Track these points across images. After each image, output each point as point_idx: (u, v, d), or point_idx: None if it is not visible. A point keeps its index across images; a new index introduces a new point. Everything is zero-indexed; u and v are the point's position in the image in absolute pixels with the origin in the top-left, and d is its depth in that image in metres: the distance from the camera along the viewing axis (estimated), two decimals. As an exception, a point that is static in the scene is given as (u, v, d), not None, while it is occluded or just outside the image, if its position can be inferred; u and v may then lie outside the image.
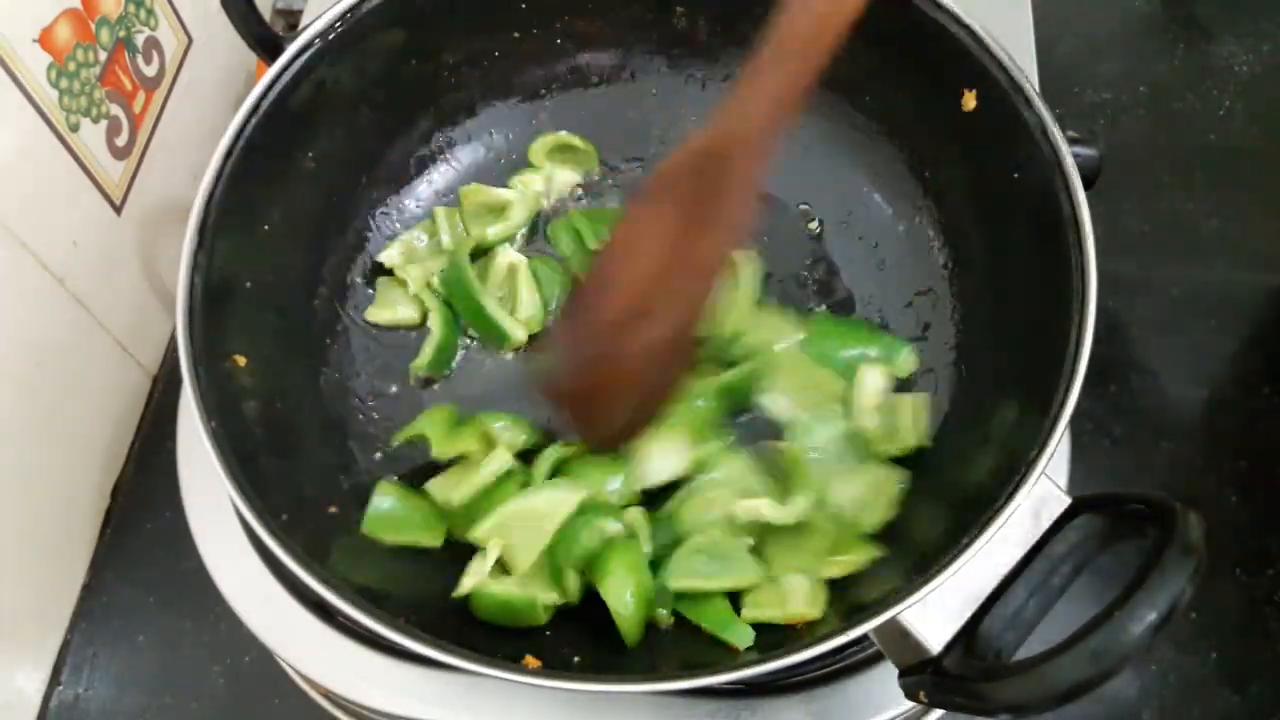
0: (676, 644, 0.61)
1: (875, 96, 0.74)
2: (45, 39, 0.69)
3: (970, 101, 0.66)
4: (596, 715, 0.59)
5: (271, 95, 0.64)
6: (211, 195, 0.61)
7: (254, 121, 0.63)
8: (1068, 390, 0.53)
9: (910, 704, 0.59)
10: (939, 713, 0.66)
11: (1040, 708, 0.44)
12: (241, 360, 0.62)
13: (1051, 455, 0.52)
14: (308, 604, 0.64)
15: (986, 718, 0.46)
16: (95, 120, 0.76)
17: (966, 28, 0.64)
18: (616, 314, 0.52)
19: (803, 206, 0.78)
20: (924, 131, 0.73)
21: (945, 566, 0.50)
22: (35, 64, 0.69)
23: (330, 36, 0.66)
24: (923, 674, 0.50)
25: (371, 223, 0.76)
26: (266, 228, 0.66)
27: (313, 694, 0.69)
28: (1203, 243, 0.93)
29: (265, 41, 0.66)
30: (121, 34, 0.79)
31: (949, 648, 0.50)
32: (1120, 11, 1.07)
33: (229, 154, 0.62)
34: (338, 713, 0.68)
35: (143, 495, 0.84)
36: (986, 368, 0.67)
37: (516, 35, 0.77)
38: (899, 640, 0.51)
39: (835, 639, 0.50)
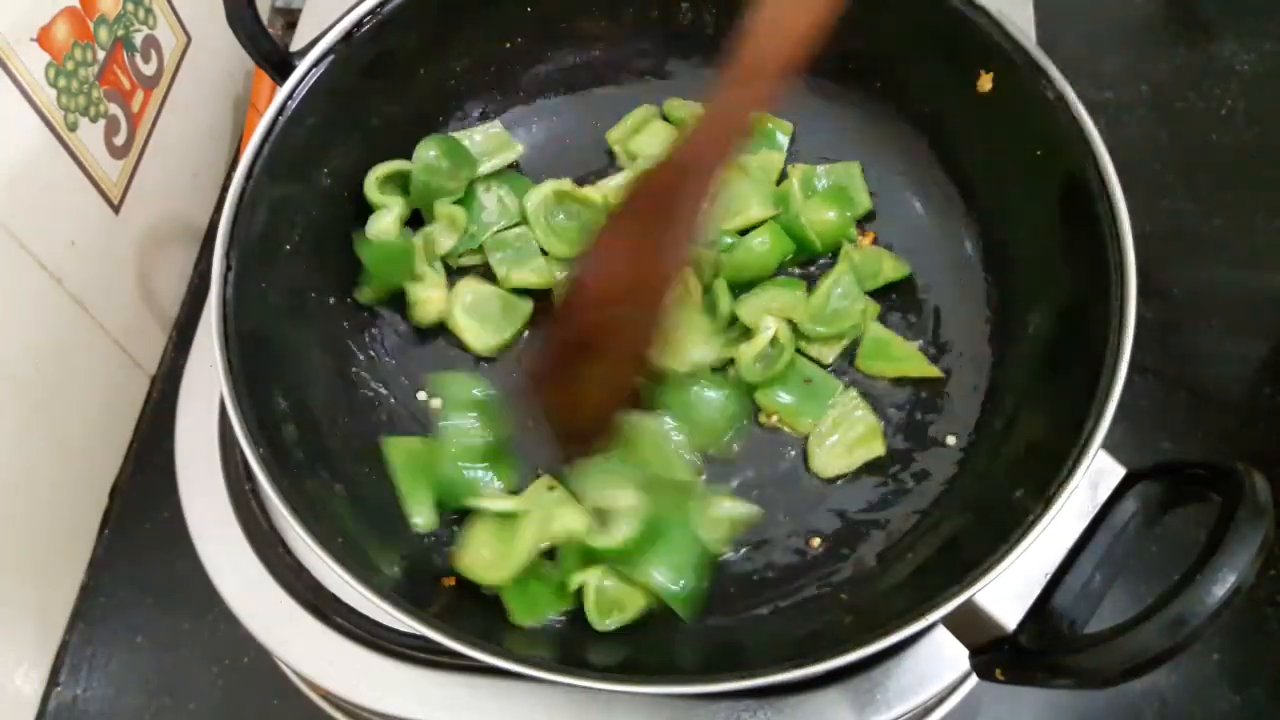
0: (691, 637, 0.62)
1: (889, 81, 0.75)
2: (43, 38, 0.69)
3: (986, 83, 0.67)
4: (597, 714, 0.59)
5: (285, 115, 0.64)
6: (235, 221, 0.60)
7: (270, 143, 0.63)
8: (1118, 356, 0.54)
9: (914, 701, 0.59)
10: (946, 709, 0.66)
11: (1125, 677, 0.44)
12: (278, 387, 0.62)
13: (1107, 427, 0.52)
14: (306, 604, 0.63)
15: (1065, 689, 0.46)
16: (94, 119, 0.76)
17: (979, 8, 0.65)
18: (586, 315, 0.57)
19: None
20: (944, 114, 0.73)
21: (1015, 544, 0.50)
22: (33, 63, 0.68)
23: (339, 51, 0.66)
24: (997, 652, 0.51)
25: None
26: (288, 248, 0.66)
27: (311, 694, 0.69)
28: (1203, 243, 0.93)
29: (273, 58, 0.66)
30: (120, 33, 0.79)
31: (1023, 624, 0.51)
32: (1121, 10, 1.07)
33: (248, 177, 0.62)
34: (336, 713, 0.68)
35: (141, 495, 0.84)
36: (1029, 348, 0.66)
37: (522, 40, 0.77)
38: (971, 621, 0.52)
39: (910, 626, 0.50)
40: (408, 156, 0.74)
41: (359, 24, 0.66)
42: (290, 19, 1.00)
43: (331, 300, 0.71)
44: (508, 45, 0.77)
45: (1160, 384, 0.86)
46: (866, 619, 0.58)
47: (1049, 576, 0.51)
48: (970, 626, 0.52)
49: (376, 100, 0.71)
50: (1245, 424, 0.85)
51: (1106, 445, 0.52)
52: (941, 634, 0.57)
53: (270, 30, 0.97)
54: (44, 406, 0.75)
